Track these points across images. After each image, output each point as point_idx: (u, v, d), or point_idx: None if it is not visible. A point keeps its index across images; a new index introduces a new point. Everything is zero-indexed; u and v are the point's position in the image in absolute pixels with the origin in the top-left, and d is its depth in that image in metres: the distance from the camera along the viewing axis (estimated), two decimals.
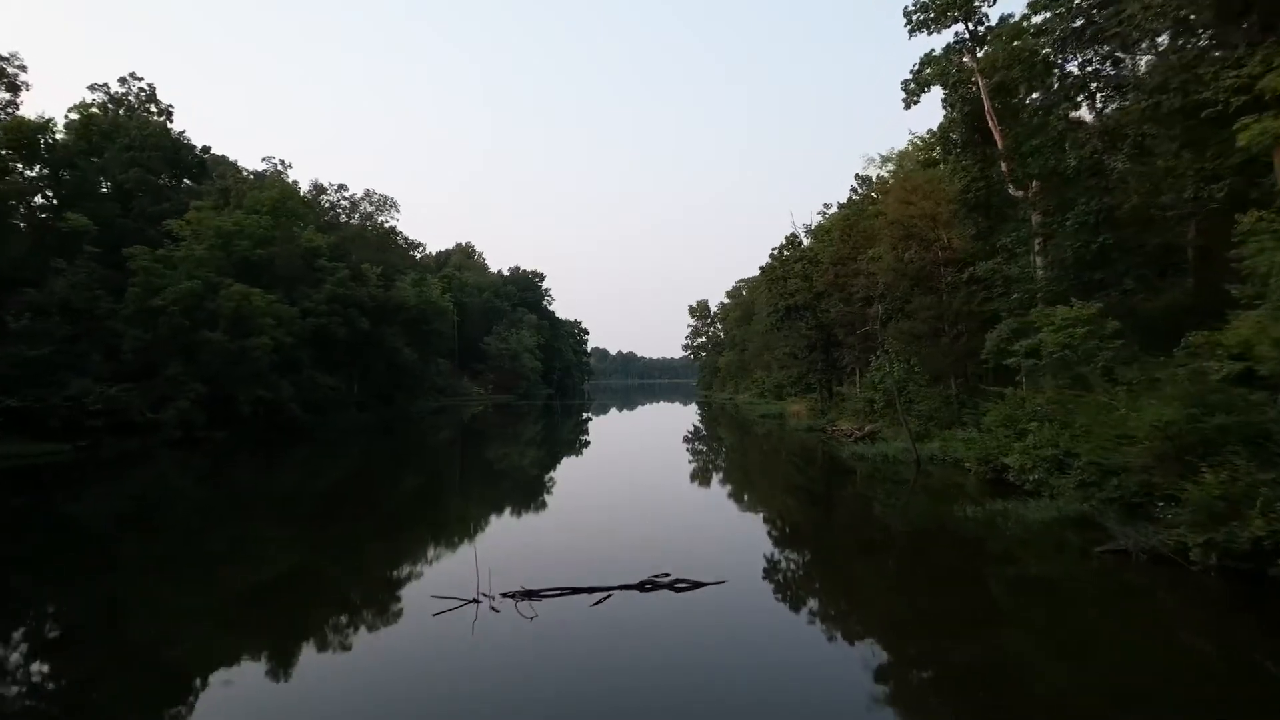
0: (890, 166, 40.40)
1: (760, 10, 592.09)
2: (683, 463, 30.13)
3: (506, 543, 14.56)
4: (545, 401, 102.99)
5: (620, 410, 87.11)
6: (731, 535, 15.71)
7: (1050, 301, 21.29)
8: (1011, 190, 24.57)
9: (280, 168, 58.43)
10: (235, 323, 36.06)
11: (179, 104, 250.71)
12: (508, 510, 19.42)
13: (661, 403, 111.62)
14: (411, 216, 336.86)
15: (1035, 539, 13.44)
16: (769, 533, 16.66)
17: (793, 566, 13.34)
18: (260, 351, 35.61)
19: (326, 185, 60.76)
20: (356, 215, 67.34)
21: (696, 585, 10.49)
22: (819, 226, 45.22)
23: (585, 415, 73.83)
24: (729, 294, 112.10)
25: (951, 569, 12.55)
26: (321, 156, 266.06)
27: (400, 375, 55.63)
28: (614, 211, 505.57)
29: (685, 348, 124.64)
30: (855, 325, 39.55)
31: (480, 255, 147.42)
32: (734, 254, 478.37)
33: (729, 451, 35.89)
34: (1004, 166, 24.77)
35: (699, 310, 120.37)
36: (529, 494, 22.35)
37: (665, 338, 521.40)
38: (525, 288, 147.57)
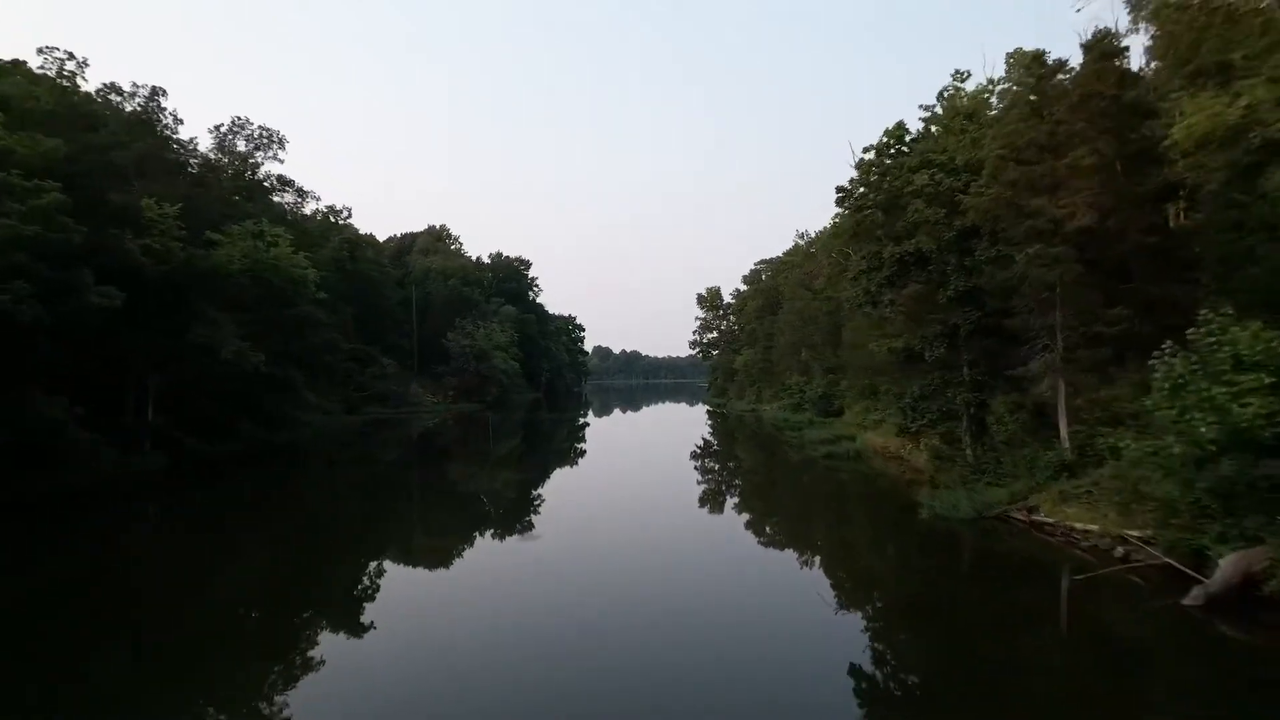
0: None
1: None
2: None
3: None
4: (526, 411, 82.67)
5: (625, 411, 69.02)
6: None
7: None
8: None
9: (74, 68, 37.51)
10: None
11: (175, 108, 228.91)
12: None
13: (667, 403, 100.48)
14: (405, 211, 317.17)
15: None
16: None
17: None
18: None
19: (133, 88, 38.78)
20: (222, 153, 46.55)
21: None
22: (951, 110, 23.85)
23: (580, 421, 55.35)
24: (746, 279, 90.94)
25: None
26: (311, 150, 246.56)
27: (245, 389, 34.82)
28: (617, 205, 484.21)
29: (692, 344, 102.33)
30: (1053, 287, 18.45)
31: (457, 240, 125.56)
32: (746, 250, 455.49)
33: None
34: None
35: (709, 300, 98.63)
36: None
37: (670, 336, 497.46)
38: (507, 276, 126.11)
